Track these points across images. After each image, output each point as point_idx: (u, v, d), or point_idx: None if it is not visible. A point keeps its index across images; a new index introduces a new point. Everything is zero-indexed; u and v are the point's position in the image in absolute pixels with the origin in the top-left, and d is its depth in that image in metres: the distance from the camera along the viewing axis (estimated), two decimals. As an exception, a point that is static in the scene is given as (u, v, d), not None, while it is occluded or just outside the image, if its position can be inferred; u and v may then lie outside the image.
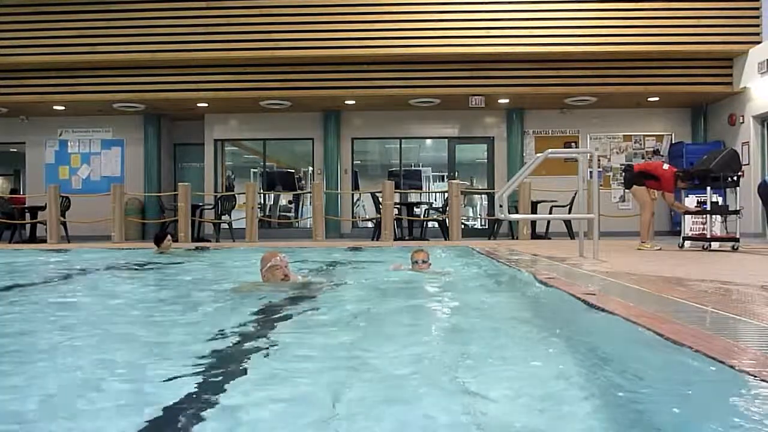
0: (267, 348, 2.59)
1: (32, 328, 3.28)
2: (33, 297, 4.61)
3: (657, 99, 12.93)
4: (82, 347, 2.76)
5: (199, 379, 2.08)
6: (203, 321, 3.39)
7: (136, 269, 6.82)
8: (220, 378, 2.11)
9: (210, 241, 12.05)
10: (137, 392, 1.98)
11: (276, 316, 3.43)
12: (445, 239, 11.27)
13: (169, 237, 8.80)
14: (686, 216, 8.40)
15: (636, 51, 11.65)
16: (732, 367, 1.76)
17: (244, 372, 2.21)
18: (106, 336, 3.01)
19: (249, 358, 2.41)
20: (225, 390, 1.97)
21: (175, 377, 2.08)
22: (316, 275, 5.73)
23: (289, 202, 17.10)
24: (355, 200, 15.12)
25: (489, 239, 11.66)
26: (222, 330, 2.95)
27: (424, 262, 4.98)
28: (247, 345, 2.66)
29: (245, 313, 3.46)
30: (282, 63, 12.23)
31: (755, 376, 1.67)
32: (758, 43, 11.42)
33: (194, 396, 1.89)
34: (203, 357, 2.38)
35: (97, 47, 11.91)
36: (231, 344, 2.72)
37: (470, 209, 16.99)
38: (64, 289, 5.22)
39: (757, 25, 11.52)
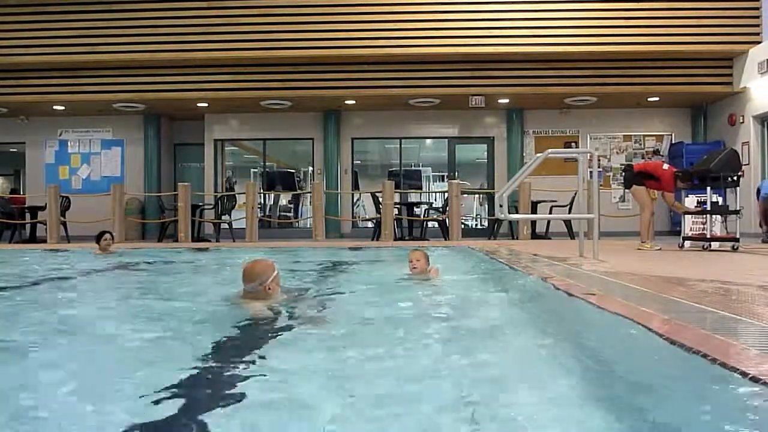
0: (263, 373, 2.27)
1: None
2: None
3: (657, 99, 12.94)
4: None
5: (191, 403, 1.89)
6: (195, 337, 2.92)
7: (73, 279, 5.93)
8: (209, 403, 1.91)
9: (210, 241, 12.05)
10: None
11: (271, 335, 2.98)
12: (445, 239, 11.27)
13: (106, 236, 8.05)
14: (686, 216, 8.40)
15: (636, 51, 11.65)
16: (732, 367, 1.76)
17: (237, 402, 1.94)
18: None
19: (242, 390, 2.07)
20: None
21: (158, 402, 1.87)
22: (308, 283, 5.28)
23: (289, 202, 17.11)
24: (355, 200, 15.12)
25: (489, 239, 11.66)
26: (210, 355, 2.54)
27: (418, 260, 4.72)
28: (239, 371, 2.29)
29: (233, 332, 3.00)
30: (282, 63, 12.23)
31: (755, 377, 1.67)
32: (758, 43, 11.42)
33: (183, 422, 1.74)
34: (190, 383, 2.09)
35: (98, 47, 11.91)
36: (218, 371, 2.29)
37: (484, 208, 16.86)
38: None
39: (757, 25, 11.53)
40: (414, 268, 4.73)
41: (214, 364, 2.39)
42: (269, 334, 3.00)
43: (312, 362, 2.40)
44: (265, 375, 2.23)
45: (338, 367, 2.34)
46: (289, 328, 3.11)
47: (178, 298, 4.48)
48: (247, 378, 2.17)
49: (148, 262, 7.45)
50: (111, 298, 4.59)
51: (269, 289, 3.45)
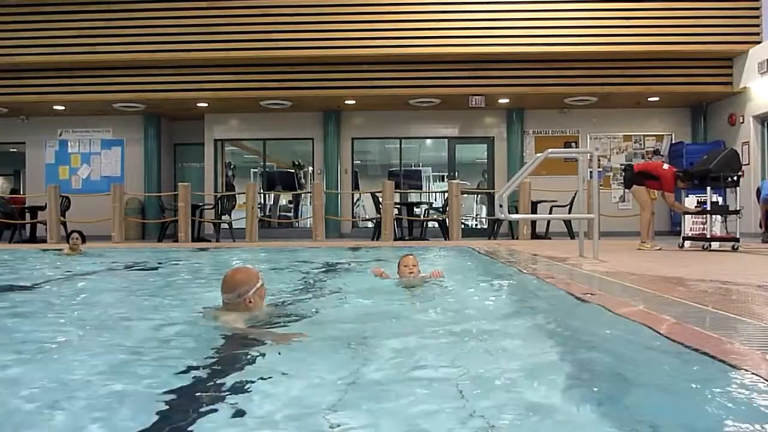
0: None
1: None
2: None
3: (657, 99, 12.94)
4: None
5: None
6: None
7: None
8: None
9: (210, 241, 12.05)
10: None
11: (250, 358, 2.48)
12: (445, 239, 11.27)
13: (75, 236, 8.06)
14: (686, 216, 8.41)
15: (636, 51, 11.65)
16: (732, 366, 1.76)
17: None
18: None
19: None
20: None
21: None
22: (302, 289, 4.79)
23: (289, 202, 17.12)
24: (355, 200, 15.12)
25: (489, 239, 11.66)
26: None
27: (414, 266, 4.51)
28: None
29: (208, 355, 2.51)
30: (282, 63, 12.23)
31: (754, 377, 1.67)
32: (758, 43, 11.42)
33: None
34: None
35: (97, 47, 11.91)
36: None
37: (480, 208, 16.81)
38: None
39: (757, 25, 11.53)
40: (410, 273, 4.50)
41: (163, 389, 2.03)
42: (236, 356, 2.54)
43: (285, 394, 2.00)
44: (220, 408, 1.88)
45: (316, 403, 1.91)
46: (260, 351, 2.59)
47: (141, 310, 3.97)
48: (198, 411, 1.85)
49: (128, 264, 7.04)
50: (57, 310, 3.97)
51: (250, 302, 3.03)
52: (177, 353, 2.60)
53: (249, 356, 2.47)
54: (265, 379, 2.16)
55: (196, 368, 2.29)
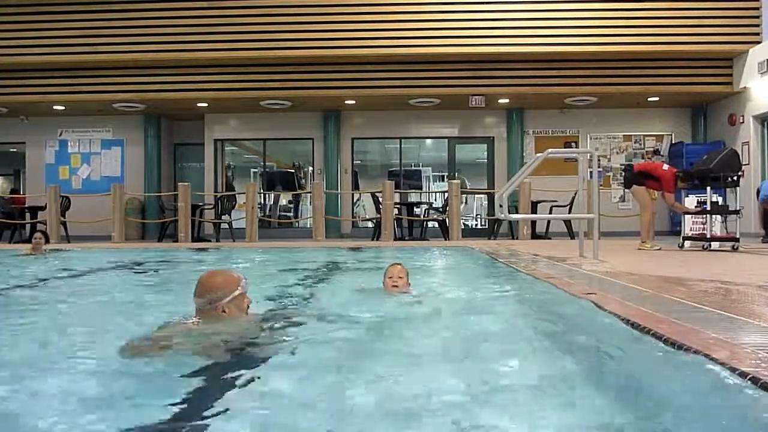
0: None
1: None
2: None
3: (657, 99, 12.94)
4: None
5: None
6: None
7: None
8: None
9: (210, 241, 12.05)
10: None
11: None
12: (445, 239, 11.28)
13: (38, 236, 7.93)
14: (686, 216, 8.41)
15: (636, 51, 11.65)
16: (732, 367, 1.76)
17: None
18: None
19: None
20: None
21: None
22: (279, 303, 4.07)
23: (289, 202, 17.12)
24: (355, 200, 15.12)
25: (489, 239, 11.66)
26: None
27: (400, 277, 3.87)
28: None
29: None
30: (282, 63, 12.24)
31: (754, 376, 1.67)
32: (758, 43, 11.42)
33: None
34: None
35: (98, 47, 11.91)
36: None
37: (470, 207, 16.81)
38: None
39: (757, 25, 11.53)
40: (395, 285, 3.84)
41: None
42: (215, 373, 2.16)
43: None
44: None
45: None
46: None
47: (94, 321, 3.50)
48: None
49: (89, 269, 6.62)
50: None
51: (224, 311, 2.59)
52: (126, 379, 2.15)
53: (227, 373, 2.15)
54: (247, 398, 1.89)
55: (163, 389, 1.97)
